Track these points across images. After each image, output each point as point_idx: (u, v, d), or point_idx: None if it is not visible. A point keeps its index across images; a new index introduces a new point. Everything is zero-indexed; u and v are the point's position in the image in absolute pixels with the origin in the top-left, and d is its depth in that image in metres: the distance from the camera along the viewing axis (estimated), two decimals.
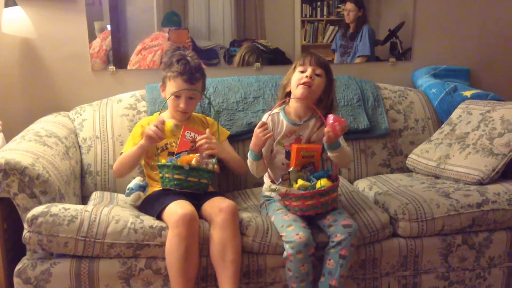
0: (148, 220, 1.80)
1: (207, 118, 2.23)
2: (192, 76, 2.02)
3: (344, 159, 1.92)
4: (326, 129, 1.79)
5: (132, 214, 1.82)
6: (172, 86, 2.02)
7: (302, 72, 1.94)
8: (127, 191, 2.08)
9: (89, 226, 1.71)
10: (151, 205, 1.89)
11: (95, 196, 2.09)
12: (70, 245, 1.69)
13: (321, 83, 1.94)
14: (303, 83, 1.91)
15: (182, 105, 2.02)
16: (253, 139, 1.85)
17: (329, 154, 1.88)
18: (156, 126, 1.88)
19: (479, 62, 2.82)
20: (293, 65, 2.00)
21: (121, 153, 2.07)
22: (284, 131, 1.96)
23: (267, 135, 1.82)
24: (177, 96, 2.02)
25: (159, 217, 1.82)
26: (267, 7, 2.64)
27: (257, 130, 1.83)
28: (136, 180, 2.12)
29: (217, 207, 1.80)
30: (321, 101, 1.97)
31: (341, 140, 1.92)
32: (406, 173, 2.41)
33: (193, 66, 2.03)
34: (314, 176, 1.85)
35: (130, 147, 2.02)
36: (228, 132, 2.25)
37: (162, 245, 1.74)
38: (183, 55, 2.05)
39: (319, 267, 1.80)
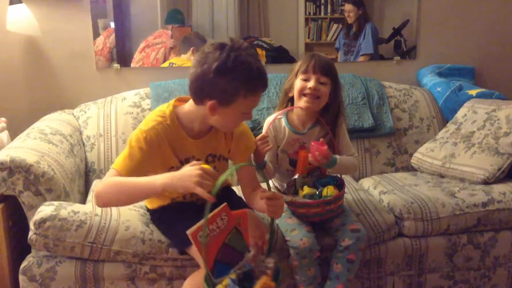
0: (158, 233, 1.73)
1: None
2: (267, 82, 1.54)
3: (346, 171, 1.88)
4: (309, 158, 1.76)
5: (142, 221, 1.77)
6: (250, 103, 1.51)
7: (305, 80, 1.82)
8: None
9: (97, 232, 1.67)
10: (173, 234, 1.65)
11: (94, 186, 2.08)
12: (76, 249, 1.67)
13: (327, 91, 1.82)
14: (308, 94, 1.81)
15: (238, 123, 1.62)
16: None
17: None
18: (208, 175, 1.36)
19: (484, 60, 2.81)
20: (295, 69, 1.87)
21: (115, 170, 1.50)
22: (286, 139, 1.89)
23: (266, 148, 1.72)
24: (246, 112, 1.55)
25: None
26: (271, 4, 2.64)
27: (257, 142, 1.73)
28: None
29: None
30: (328, 107, 1.86)
31: (347, 148, 1.90)
32: (411, 172, 2.41)
33: (263, 68, 1.52)
34: (320, 182, 1.82)
35: (130, 168, 1.48)
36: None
37: (167, 259, 1.71)
38: (258, 64, 1.49)
39: (326, 268, 1.79)
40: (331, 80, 1.84)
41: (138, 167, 1.48)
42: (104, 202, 1.48)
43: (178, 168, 1.50)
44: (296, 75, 1.86)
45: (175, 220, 1.66)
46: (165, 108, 1.59)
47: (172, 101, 1.61)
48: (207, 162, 1.63)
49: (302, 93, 1.83)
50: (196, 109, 1.54)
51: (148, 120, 1.56)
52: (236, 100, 1.46)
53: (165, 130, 1.53)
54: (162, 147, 1.53)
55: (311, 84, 1.81)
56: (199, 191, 1.32)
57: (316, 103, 1.83)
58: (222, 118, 1.51)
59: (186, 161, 1.59)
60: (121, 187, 1.44)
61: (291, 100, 1.92)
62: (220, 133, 1.65)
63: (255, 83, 1.48)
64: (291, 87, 1.89)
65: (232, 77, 1.43)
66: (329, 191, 1.78)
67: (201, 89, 1.47)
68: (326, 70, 1.83)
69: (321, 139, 1.77)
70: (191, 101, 1.56)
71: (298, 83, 1.84)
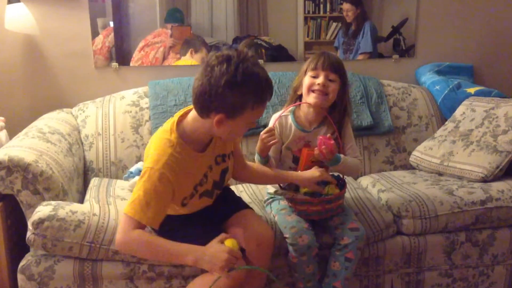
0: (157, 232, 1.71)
1: None
2: (273, 91, 1.52)
3: (349, 171, 1.88)
4: (315, 151, 1.76)
5: None
6: (257, 113, 1.49)
7: (314, 77, 1.83)
8: (126, 174, 2.04)
9: (96, 232, 1.67)
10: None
11: (92, 185, 2.08)
12: (74, 249, 1.67)
13: (335, 88, 1.82)
14: (316, 91, 1.82)
15: (243, 132, 1.61)
16: (259, 143, 1.77)
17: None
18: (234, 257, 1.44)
19: (483, 59, 2.81)
20: (305, 67, 1.87)
21: (134, 219, 1.44)
22: (292, 136, 1.88)
23: (272, 142, 1.73)
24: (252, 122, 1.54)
25: None
26: (270, 3, 2.63)
27: (262, 135, 1.74)
28: (139, 165, 2.08)
29: (254, 238, 1.62)
30: (335, 106, 1.86)
31: (353, 150, 1.89)
32: (410, 170, 2.40)
33: (270, 78, 1.48)
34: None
35: (150, 216, 1.44)
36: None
37: None
38: (265, 74, 1.46)
39: (324, 266, 1.79)
40: (340, 78, 1.85)
41: (157, 212, 1.45)
42: (130, 253, 1.65)
43: (191, 197, 1.56)
44: (305, 73, 1.87)
45: (181, 230, 1.61)
46: (169, 134, 1.49)
47: (174, 123, 1.52)
48: (217, 164, 1.62)
49: (310, 89, 1.83)
50: (201, 123, 1.48)
51: (159, 155, 1.46)
52: (244, 113, 1.43)
53: (177, 162, 1.46)
54: (178, 179, 1.48)
55: (319, 80, 1.81)
56: (224, 274, 1.42)
57: (324, 100, 1.83)
58: (227, 130, 1.47)
59: (205, 176, 1.58)
60: (153, 249, 1.46)
61: (299, 98, 1.92)
62: None
63: (264, 94, 1.45)
64: (299, 85, 1.89)
65: (242, 91, 1.40)
66: (330, 189, 1.78)
67: (208, 103, 1.42)
68: (335, 68, 1.83)
69: (328, 135, 1.78)
70: (193, 114, 1.50)
71: (307, 80, 1.85)
